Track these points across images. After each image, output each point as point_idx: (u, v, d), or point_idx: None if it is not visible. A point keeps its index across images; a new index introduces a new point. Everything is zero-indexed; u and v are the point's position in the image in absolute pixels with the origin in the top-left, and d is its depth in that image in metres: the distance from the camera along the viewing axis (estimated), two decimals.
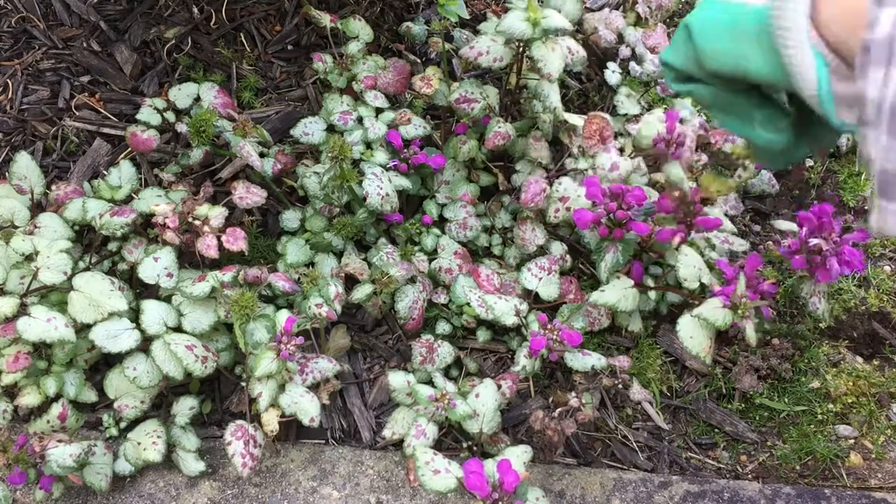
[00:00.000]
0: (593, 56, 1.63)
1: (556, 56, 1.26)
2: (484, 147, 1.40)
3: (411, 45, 1.68)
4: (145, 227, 1.35)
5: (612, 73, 1.59)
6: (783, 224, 1.25)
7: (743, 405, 1.38)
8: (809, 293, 1.20)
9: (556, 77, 1.26)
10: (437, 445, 1.22)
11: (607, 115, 1.40)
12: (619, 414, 1.37)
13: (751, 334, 1.11)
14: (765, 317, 1.23)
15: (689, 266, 1.21)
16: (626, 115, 1.55)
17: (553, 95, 1.32)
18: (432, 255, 1.42)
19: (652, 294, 1.38)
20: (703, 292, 1.29)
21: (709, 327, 1.15)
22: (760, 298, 1.15)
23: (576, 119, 1.42)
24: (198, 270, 1.31)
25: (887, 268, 1.50)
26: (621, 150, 1.41)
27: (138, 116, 1.39)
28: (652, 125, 1.28)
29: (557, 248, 1.40)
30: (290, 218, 1.43)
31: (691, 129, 1.33)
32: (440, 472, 1.07)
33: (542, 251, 1.39)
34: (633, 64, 1.68)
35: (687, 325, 1.15)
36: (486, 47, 1.32)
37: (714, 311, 1.12)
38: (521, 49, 1.34)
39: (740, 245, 1.35)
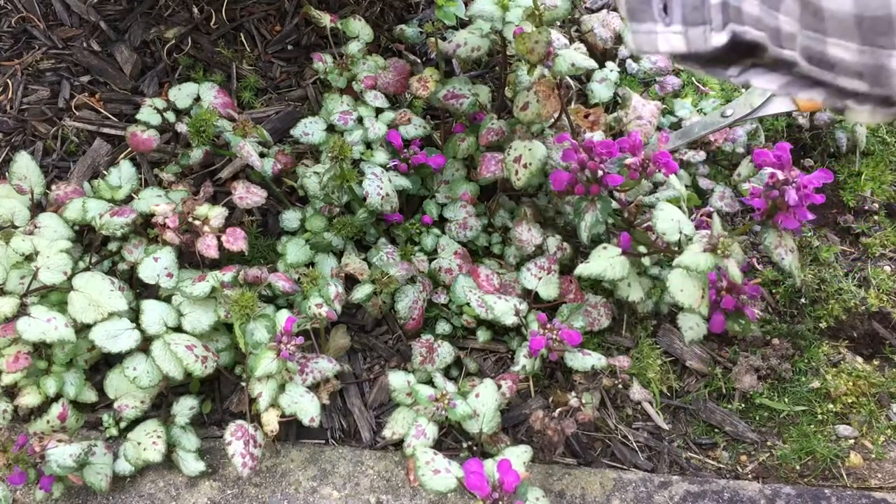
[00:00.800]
0: (592, 57, 1.63)
1: None
2: (480, 144, 1.40)
3: (411, 46, 1.68)
4: (145, 227, 1.35)
5: (611, 73, 1.60)
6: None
7: (743, 405, 1.38)
8: (773, 244, 1.15)
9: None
10: (437, 445, 1.22)
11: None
12: (619, 414, 1.37)
13: (734, 273, 1.09)
14: (750, 318, 1.22)
15: (667, 219, 1.18)
16: (598, 102, 1.57)
17: (525, 79, 1.31)
18: (432, 255, 1.42)
19: (647, 261, 1.36)
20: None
21: (696, 276, 1.13)
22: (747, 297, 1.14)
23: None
24: (198, 270, 1.31)
25: (887, 268, 1.50)
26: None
27: (138, 116, 1.39)
28: None
29: (553, 242, 1.39)
30: (290, 218, 1.43)
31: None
32: (440, 472, 1.07)
33: (541, 251, 1.39)
34: (629, 62, 1.68)
35: (676, 277, 1.14)
36: (464, 39, 1.33)
37: (696, 256, 1.10)
38: (504, 43, 1.34)
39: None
